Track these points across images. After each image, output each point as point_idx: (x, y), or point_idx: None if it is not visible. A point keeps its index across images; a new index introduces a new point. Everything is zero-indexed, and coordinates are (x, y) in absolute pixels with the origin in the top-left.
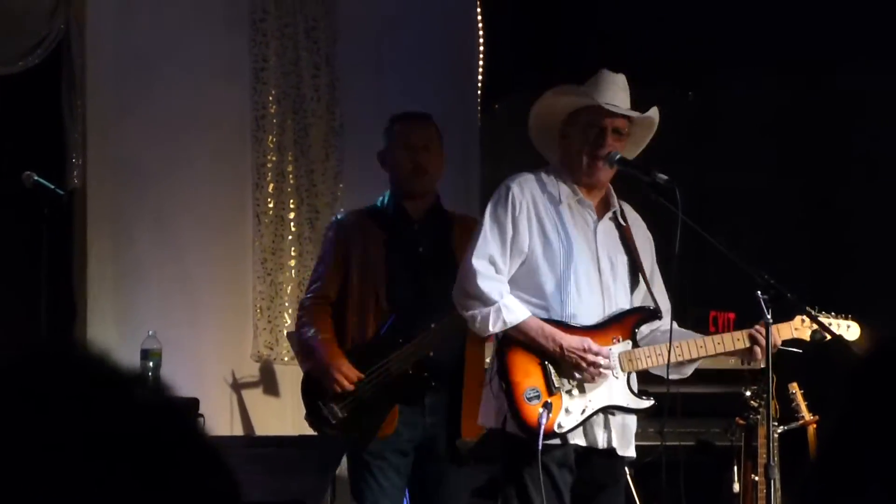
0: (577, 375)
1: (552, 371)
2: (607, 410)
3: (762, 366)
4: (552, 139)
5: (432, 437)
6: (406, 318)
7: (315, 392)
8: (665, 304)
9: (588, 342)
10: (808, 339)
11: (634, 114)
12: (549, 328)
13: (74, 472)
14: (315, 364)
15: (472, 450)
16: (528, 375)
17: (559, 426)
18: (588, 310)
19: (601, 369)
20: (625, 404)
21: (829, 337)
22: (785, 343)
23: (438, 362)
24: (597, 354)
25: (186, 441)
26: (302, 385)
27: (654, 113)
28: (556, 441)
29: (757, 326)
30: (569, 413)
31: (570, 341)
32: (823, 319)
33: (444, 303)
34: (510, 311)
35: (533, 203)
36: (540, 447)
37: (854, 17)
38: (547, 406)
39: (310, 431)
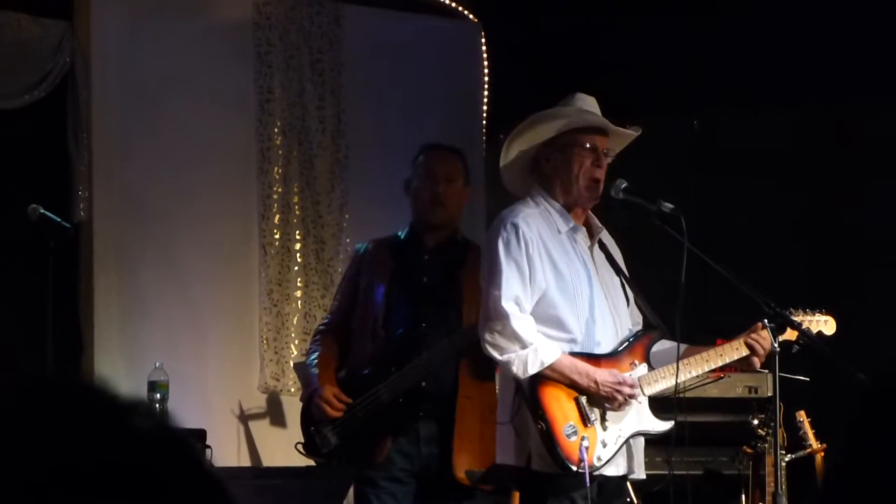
0: (608, 406)
1: (584, 404)
2: (632, 436)
3: (769, 393)
4: (522, 170)
5: (429, 467)
6: (399, 347)
7: (308, 420)
8: (648, 311)
9: (619, 374)
10: (794, 339)
11: (630, 132)
12: (581, 364)
13: (69, 498)
14: (305, 390)
15: (479, 480)
16: (562, 411)
17: (598, 459)
18: (604, 337)
19: (633, 399)
20: (650, 429)
21: (814, 335)
22: (792, 371)
23: (431, 393)
24: (630, 386)
25: (187, 470)
26: (301, 416)
27: (639, 130)
28: (592, 474)
29: (753, 335)
30: (605, 445)
31: (604, 376)
32: (802, 317)
33: (439, 333)
34: (545, 350)
35: (540, 237)
36: (588, 483)
37: (855, 51)
38: (584, 440)
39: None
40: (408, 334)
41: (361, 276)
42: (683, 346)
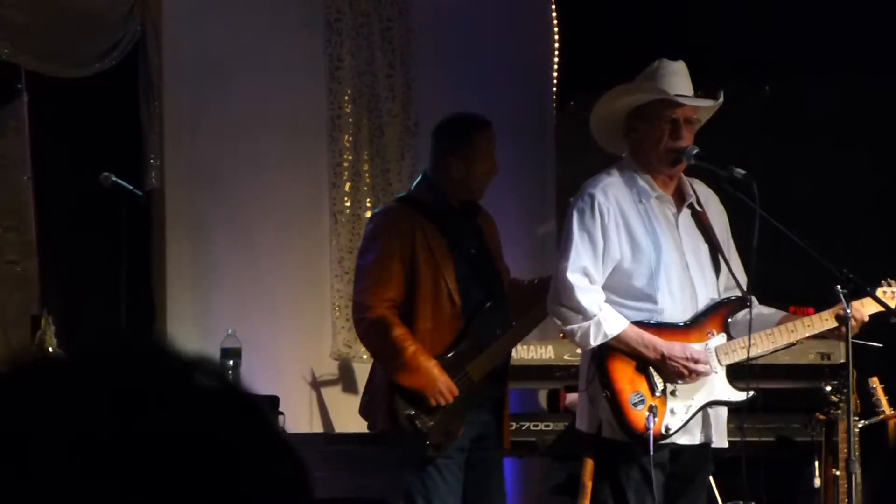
0: (678, 380)
1: (654, 374)
2: (708, 405)
3: (842, 360)
4: (617, 135)
5: (486, 432)
6: (478, 326)
7: (407, 401)
8: (742, 278)
9: (689, 349)
10: (894, 307)
11: (708, 103)
12: (648, 336)
13: (130, 462)
14: (418, 379)
15: (550, 447)
16: (631, 381)
17: (666, 429)
18: (681, 307)
19: (702, 373)
20: (726, 398)
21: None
22: (865, 337)
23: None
24: (697, 361)
25: (251, 430)
26: (390, 393)
27: (721, 98)
28: (659, 443)
29: (843, 305)
30: (674, 414)
31: (672, 350)
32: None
33: (505, 306)
34: (609, 323)
35: (618, 208)
36: (651, 452)
37: None
38: (652, 410)
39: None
40: (483, 312)
41: (414, 244)
42: (774, 313)
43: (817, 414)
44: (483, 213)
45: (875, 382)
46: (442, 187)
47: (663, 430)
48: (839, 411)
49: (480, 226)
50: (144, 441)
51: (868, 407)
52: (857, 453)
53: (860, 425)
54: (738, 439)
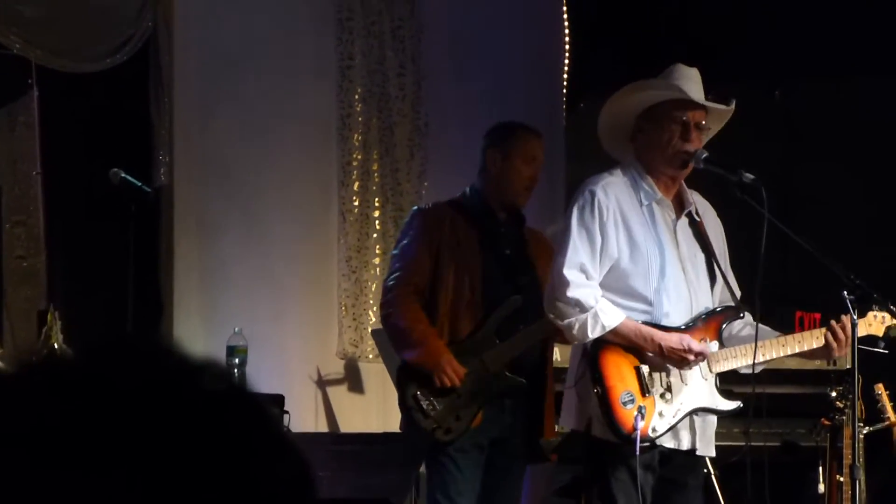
0: (669, 378)
1: (646, 374)
2: (695, 412)
3: (847, 366)
4: (622, 137)
5: (509, 436)
6: (502, 317)
7: (415, 382)
8: (738, 293)
9: (687, 339)
10: (881, 335)
11: (721, 107)
12: (646, 329)
13: (135, 463)
14: (423, 356)
15: (555, 450)
16: (622, 379)
17: (653, 430)
18: (678, 311)
19: (699, 360)
20: (714, 406)
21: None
22: (865, 342)
23: (523, 363)
24: (697, 353)
25: (257, 432)
26: (399, 374)
27: (733, 105)
28: (645, 444)
29: (833, 323)
30: (662, 416)
31: (669, 340)
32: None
33: (535, 305)
34: (607, 314)
35: (618, 207)
36: (638, 452)
37: None
38: (641, 410)
39: (393, 428)
40: (506, 305)
41: (442, 237)
42: (768, 331)
43: (822, 419)
44: (532, 231)
45: (880, 389)
46: (483, 191)
47: (650, 432)
48: (844, 417)
49: (527, 238)
50: (150, 443)
51: (873, 413)
52: (861, 459)
53: (865, 431)
54: (742, 444)
